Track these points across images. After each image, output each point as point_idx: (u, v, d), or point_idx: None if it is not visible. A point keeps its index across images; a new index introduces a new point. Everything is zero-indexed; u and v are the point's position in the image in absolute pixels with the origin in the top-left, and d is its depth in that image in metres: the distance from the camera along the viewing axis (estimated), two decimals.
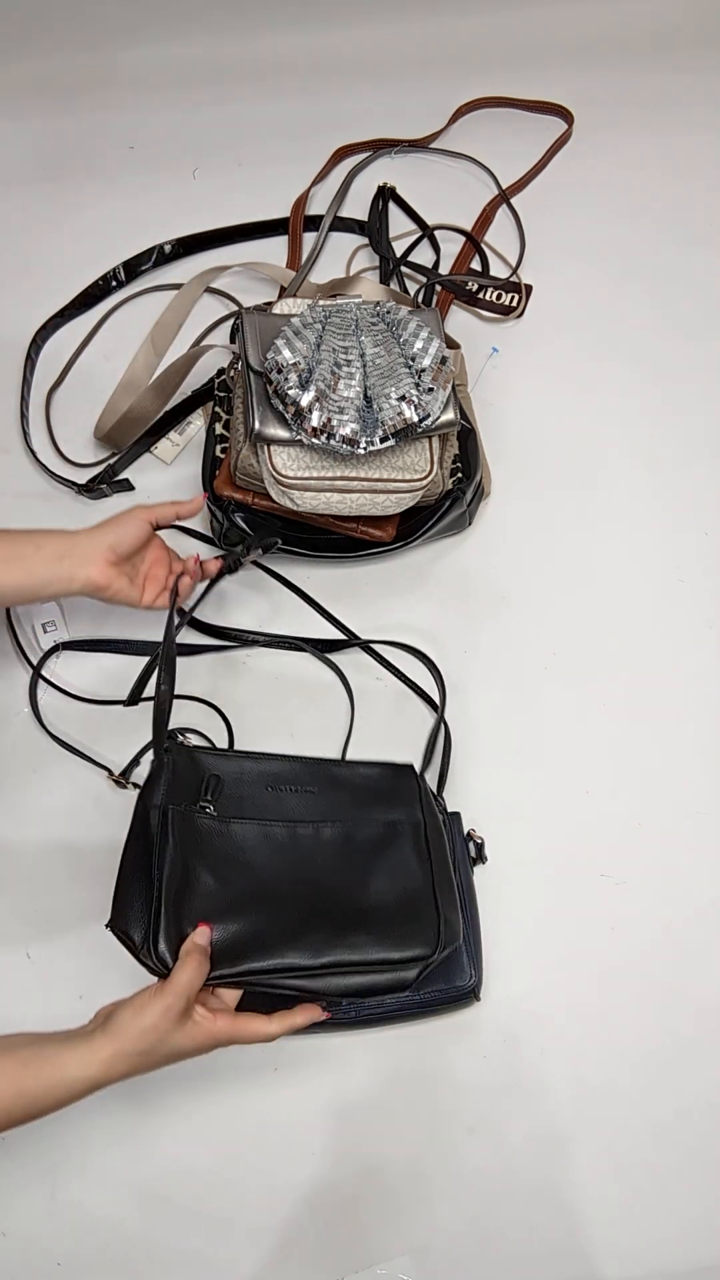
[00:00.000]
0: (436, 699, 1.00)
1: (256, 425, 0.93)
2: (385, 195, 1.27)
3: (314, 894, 0.76)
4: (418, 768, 0.97)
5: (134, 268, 1.22)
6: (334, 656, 1.02)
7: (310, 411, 0.90)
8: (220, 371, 1.08)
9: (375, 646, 1.02)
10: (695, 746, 1.00)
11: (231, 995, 0.74)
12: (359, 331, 0.96)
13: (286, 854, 0.77)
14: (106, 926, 0.75)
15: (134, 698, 0.95)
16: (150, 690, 0.94)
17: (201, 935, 0.72)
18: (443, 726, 0.98)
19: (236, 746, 0.99)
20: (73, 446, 1.12)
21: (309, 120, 1.34)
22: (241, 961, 0.73)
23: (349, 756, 0.97)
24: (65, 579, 0.84)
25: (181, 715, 1.00)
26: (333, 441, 0.91)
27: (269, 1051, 0.88)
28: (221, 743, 0.99)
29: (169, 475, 1.11)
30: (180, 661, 1.02)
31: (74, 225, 1.26)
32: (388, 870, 0.79)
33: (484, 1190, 0.85)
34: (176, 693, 0.99)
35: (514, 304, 1.21)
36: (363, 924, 0.76)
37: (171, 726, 0.98)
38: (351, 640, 1.02)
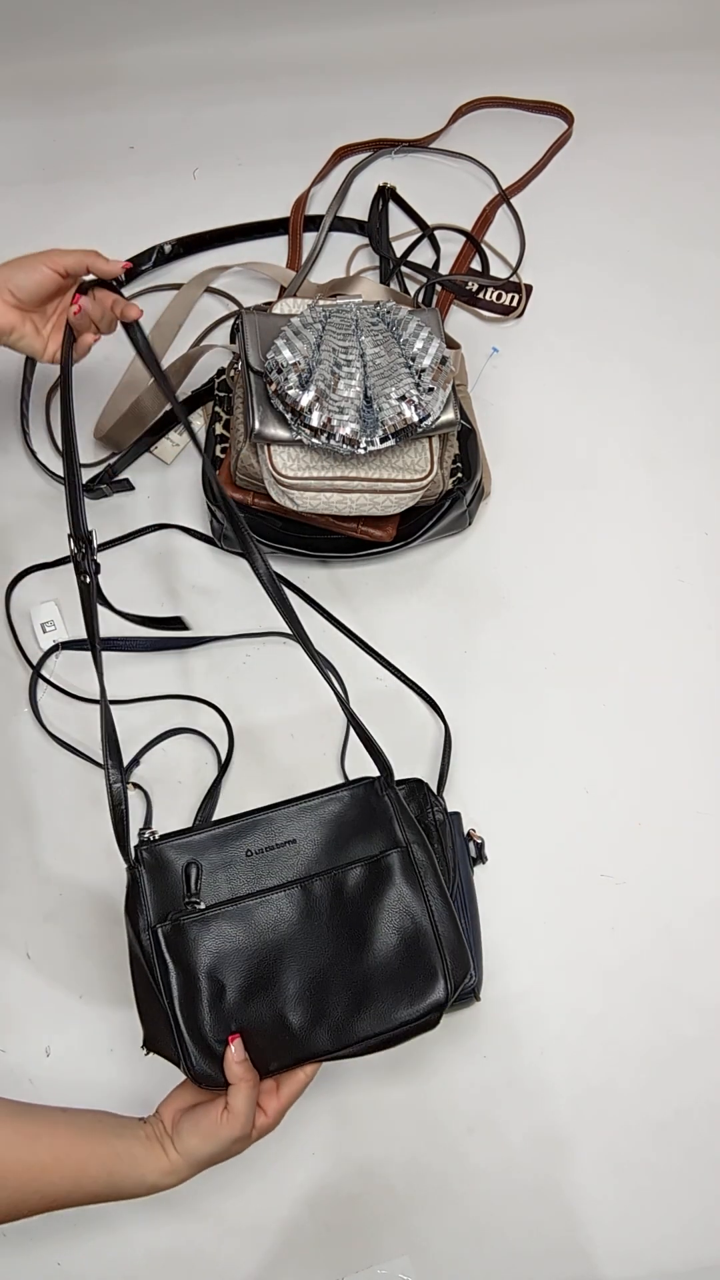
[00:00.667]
0: (436, 703, 1.00)
1: (256, 425, 0.93)
2: (385, 195, 1.27)
3: (322, 965, 0.75)
4: (422, 770, 0.97)
5: (134, 268, 1.22)
6: (332, 655, 1.02)
7: (310, 411, 0.90)
8: (220, 371, 1.08)
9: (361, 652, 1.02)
10: (695, 746, 1.00)
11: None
12: (359, 331, 0.96)
13: (285, 927, 0.76)
14: (143, 1049, 0.76)
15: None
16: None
17: (237, 1050, 0.72)
18: (443, 727, 0.99)
19: (237, 746, 0.99)
20: None
21: (309, 120, 1.34)
22: (272, 1060, 0.73)
23: (348, 754, 0.97)
24: None
25: (183, 715, 1.00)
26: (333, 441, 0.91)
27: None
28: (222, 742, 0.99)
29: (169, 475, 1.11)
30: (179, 660, 1.02)
31: (74, 225, 1.26)
32: (386, 916, 0.76)
33: (484, 1190, 0.85)
34: (179, 694, 1.00)
35: (514, 304, 1.21)
36: (377, 988, 0.74)
37: (173, 726, 0.99)
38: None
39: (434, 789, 0.95)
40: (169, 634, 1.03)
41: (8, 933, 0.92)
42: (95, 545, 0.79)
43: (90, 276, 0.89)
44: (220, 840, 0.78)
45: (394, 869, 0.78)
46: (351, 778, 0.96)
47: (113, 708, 0.99)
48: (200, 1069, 0.72)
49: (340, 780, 0.97)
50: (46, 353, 0.90)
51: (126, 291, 1.21)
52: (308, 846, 0.79)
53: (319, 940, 0.76)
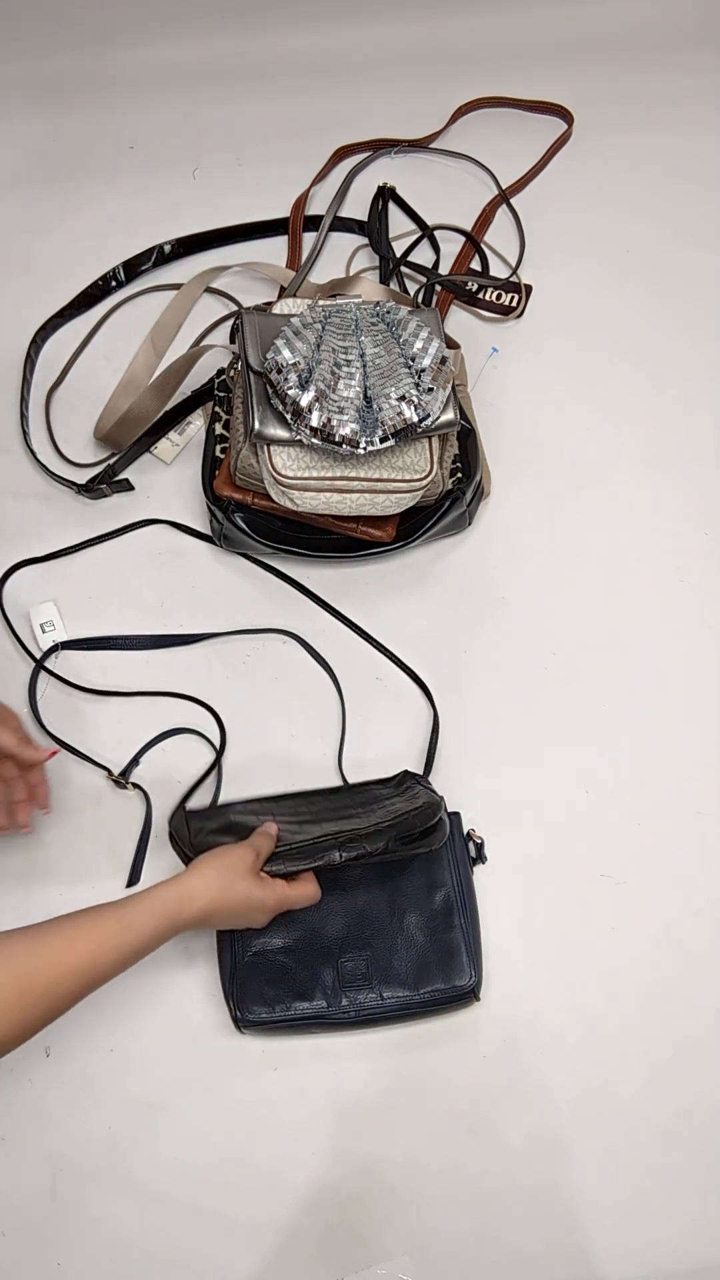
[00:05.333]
0: (430, 695, 1.00)
1: (256, 425, 0.93)
2: (385, 195, 1.27)
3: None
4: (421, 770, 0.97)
5: (134, 268, 1.22)
6: (331, 655, 1.02)
7: (310, 411, 0.90)
8: (220, 371, 1.08)
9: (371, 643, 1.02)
10: (695, 746, 1.00)
11: None
12: (359, 331, 0.96)
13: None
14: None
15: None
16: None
17: (270, 827, 0.84)
18: (432, 711, 0.99)
19: (236, 746, 0.99)
20: (73, 446, 1.12)
21: (309, 120, 1.34)
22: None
23: (346, 755, 0.98)
24: None
25: (183, 715, 1.00)
26: (332, 441, 0.91)
27: (269, 1052, 0.88)
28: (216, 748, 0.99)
29: (169, 475, 1.11)
30: (178, 660, 1.02)
31: (74, 225, 1.26)
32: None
33: (484, 1190, 0.85)
34: (169, 690, 1.00)
35: (514, 304, 1.21)
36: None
37: (173, 726, 0.99)
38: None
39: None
40: (169, 633, 1.03)
41: None
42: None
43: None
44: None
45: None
46: (351, 781, 0.96)
47: (112, 707, 1.00)
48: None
49: (339, 781, 0.97)
50: None
51: (127, 291, 1.22)
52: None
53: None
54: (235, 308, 1.20)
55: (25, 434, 1.11)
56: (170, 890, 0.74)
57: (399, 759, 0.98)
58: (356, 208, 1.27)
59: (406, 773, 0.94)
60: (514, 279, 1.22)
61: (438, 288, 1.20)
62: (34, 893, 0.93)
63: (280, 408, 0.92)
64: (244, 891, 0.77)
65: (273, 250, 1.24)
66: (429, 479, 0.95)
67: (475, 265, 1.24)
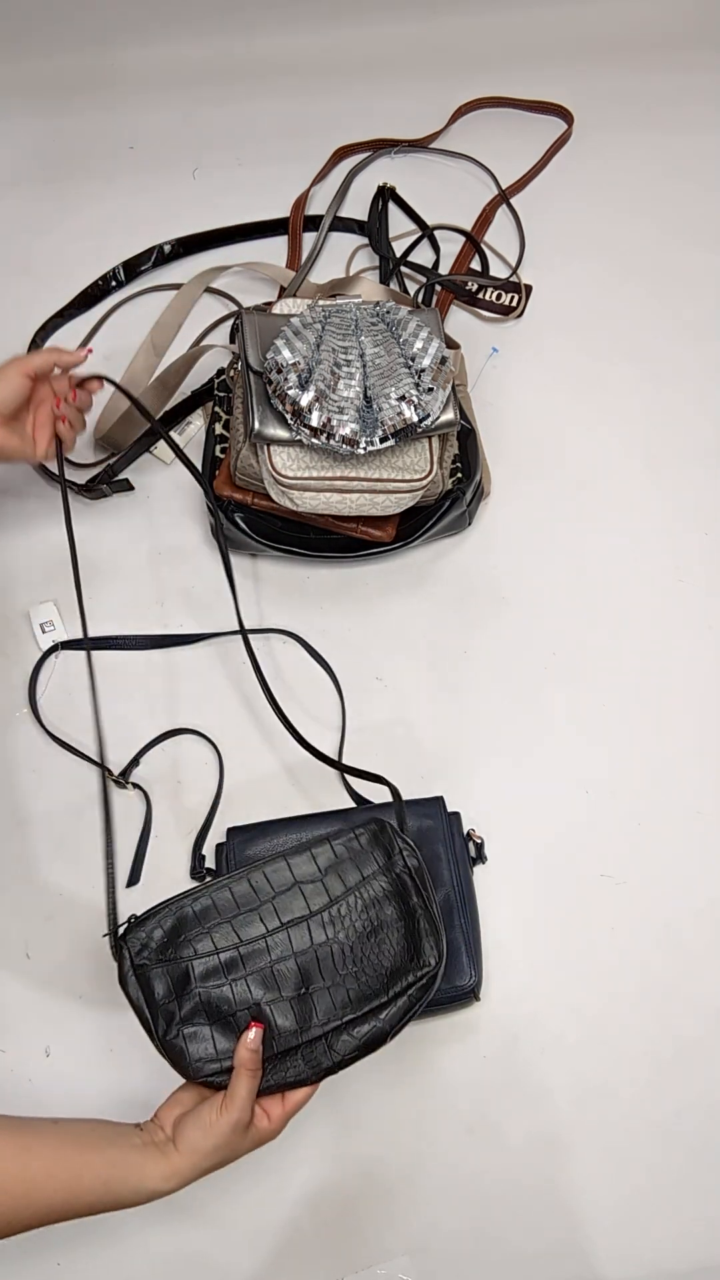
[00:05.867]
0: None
1: (256, 425, 0.93)
2: (385, 195, 1.27)
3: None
4: (421, 769, 0.97)
5: (134, 268, 1.22)
6: (331, 655, 1.02)
7: (310, 411, 0.90)
8: (220, 371, 1.08)
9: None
10: (695, 746, 1.00)
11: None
12: (359, 331, 0.96)
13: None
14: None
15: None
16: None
17: (255, 1038, 0.71)
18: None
19: (236, 746, 0.99)
20: None
21: (309, 120, 1.34)
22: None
23: (346, 757, 0.98)
24: None
25: (183, 715, 1.00)
26: (332, 441, 0.91)
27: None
28: (223, 742, 0.99)
29: (169, 475, 1.11)
30: (178, 660, 1.02)
31: (74, 225, 1.26)
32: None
33: (484, 1190, 0.85)
34: (176, 727, 1.00)
35: (514, 304, 1.21)
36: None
37: (173, 726, 0.99)
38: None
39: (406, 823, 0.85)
40: (169, 633, 1.03)
41: (8, 933, 0.92)
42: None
43: (58, 371, 0.92)
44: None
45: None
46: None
47: (112, 707, 1.00)
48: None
49: (338, 779, 0.97)
50: (39, 453, 0.92)
51: (126, 291, 1.22)
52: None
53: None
54: (235, 308, 1.20)
55: None
56: (158, 1170, 0.68)
57: (395, 763, 0.98)
58: (356, 208, 1.27)
59: (382, 826, 0.79)
60: (514, 279, 1.22)
61: (438, 288, 1.20)
62: (34, 892, 0.93)
63: (280, 408, 0.92)
64: (236, 1157, 0.71)
65: (273, 250, 1.24)
66: (429, 479, 0.95)
67: (475, 265, 1.24)
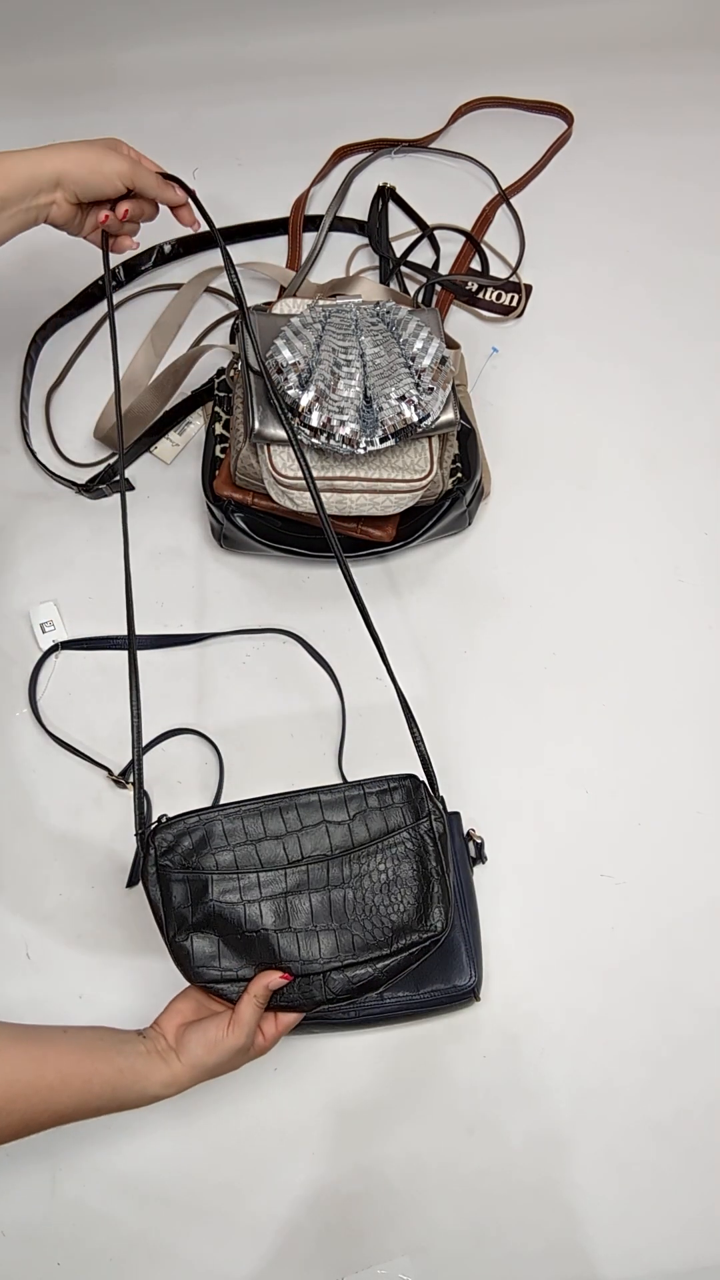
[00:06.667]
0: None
1: (256, 425, 0.93)
2: (385, 195, 1.27)
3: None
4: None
5: (134, 268, 1.22)
6: (331, 655, 1.02)
7: (310, 411, 0.90)
8: (220, 371, 1.08)
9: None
10: (695, 746, 1.00)
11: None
12: (359, 331, 0.96)
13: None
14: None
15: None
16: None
17: (277, 983, 0.74)
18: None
19: (237, 746, 0.99)
20: (72, 446, 1.12)
21: (309, 120, 1.34)
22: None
23: (346, 754, 0.97)
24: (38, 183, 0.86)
25: (183, 715, 1.00)
26: (332, 441, 0.91)
27: (269, 1052, 0.88)
28: (223, 742, 0.99)
29: (169, 475, 1.11)
30: (178, 660, 1.02)
31: None
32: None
33: (484, 1190, 0.85)
34: (176, 727, 1.00)
35: (514, 304, 1.21)
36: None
37: (174, 726, 0.99)
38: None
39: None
40: (169, 633, 1.03)
41: (8, 933, 0.92)
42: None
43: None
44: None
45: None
46: (350, 779, 0.96)
47: (112, 707, 1.00)
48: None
49: (338, 779, 0.97)
50: (85, 229, 0.93)
51: (126, 291, 1.22)
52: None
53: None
54: (235, 307, 1.20)
55: (25, 434, 1.11)
56: (160, 1077, 0.72)
57: (398, 757, 0.98)
58: (356, 208, 1.27)
59: (414, 781, 0.82)
60: (514, 279, 1.22)
61: (438, 288, 1.20)
62: (34, 893, 0.93)
63: (280, 407, 0.92)
64: (231, 1069, 0.75)
65: (273, 250, 1.24)
66: (429, 479, 0.96)
67: (475, 265, 1.24)
